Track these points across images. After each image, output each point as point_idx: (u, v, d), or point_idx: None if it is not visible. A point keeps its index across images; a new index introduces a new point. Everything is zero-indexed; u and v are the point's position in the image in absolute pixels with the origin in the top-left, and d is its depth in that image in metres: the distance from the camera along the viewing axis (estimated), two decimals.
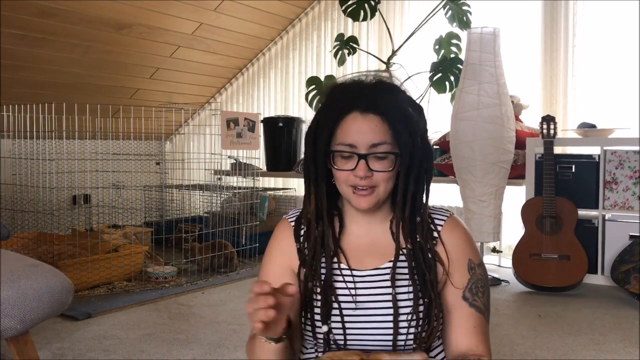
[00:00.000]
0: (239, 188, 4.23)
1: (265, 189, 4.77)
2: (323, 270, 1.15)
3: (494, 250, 3.95)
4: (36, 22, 3.71)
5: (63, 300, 1.87)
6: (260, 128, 4.32)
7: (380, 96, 1.09)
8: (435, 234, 1.16)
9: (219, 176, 4.21)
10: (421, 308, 1.10)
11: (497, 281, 3.46)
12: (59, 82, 4.35)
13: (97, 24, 3.99)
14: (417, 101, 1.16)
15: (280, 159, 4.71)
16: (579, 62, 4.00)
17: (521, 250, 3.26)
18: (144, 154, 4.49)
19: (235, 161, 4.32)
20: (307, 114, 4.97)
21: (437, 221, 1.18)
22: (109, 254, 3.33)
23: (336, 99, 1.12)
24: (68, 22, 3.84)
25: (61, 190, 3.71)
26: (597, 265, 3.35)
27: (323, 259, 1.16)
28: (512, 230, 3.91)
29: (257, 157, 4.25)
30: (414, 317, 1.09)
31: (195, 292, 3.25)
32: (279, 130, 4.68)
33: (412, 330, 1.10)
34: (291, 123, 4.71)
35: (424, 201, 1.15)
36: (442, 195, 4.28)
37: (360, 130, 1.08)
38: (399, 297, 1.11)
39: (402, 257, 1.14)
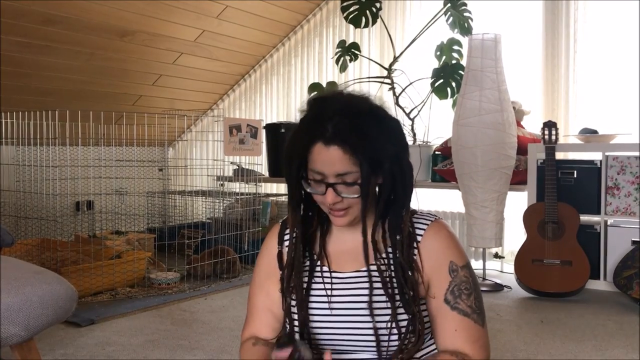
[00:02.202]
0: (242, 194, 4.24)
1: (268, 195, 4.78)
2: (306, 274, 1.19)
3: (496, 256, 3.95)
4: (40, 30, 3.73)
5: (67, 307, 1.88)
6: (263, 134, 4.33)
7: (342, 125, 1.07)
8: (416, 242, 1.17)
9: (221, 182, 4.22)
10: (403, 322, 1.12)
11: (499, 287, 3.46)
12: (62, 89, 4.37)
13: (100, 31, 4.01)
14: (410, 112, 1.18)
15: (282, 165, 4.71)
16: (580, 68, 4.00)
17: (523, 255, 3.26)
18: (147, 161, 4.51)
19: (237, 167, 4.33)
20: None
21: (420, 226, 1.18)
22: (112, 260, 3.33)
23: (304, 127, 1.13)
24: (71, 29, 3.86)
25: (64, 197, 3.72)
26: (599, 270, 3.35)
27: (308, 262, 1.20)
28: (514, 235, 3.91)
29: (260, 163, 4.26)
30: (394, 326, 1.11)
31: (198, 298, 3.26)
32: (281, 137, 4.69)
33: (393, 338, 1.11)
34: (293, 129, 4.71)
35: (403, 217, 1.16)
36: (444, 201, 4.28)
37: (325, 161, 1.09)
38: (378, 303, 1.13)
39: (383, 266, 1.16)
